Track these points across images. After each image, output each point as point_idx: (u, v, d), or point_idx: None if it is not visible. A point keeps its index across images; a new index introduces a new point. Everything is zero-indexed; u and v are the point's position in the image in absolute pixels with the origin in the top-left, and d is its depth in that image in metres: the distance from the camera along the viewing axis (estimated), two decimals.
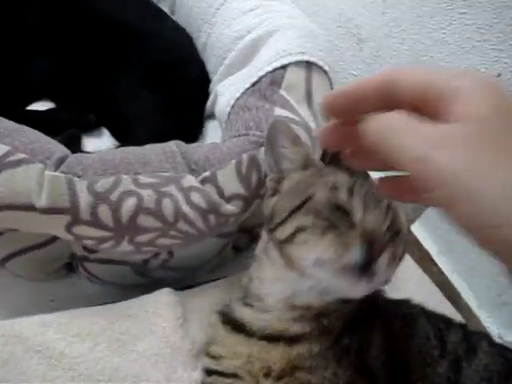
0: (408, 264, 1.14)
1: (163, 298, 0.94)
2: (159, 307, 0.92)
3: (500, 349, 0.82)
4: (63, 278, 1.10)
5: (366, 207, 0.69)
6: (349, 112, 0.47)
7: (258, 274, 0.82)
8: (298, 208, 0.72)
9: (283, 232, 0.73)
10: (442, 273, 1.10)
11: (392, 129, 0.41)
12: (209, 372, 0.81)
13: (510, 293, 0.98)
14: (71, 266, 1.08)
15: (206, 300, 0.96)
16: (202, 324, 0.93)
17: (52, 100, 1.38)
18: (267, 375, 0.73)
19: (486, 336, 0.86)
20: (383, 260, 0.66)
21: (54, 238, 0.95)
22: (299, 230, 0.71)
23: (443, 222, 1.10)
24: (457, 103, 0.39)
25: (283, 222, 0.74)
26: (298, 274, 0.73)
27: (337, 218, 0.69)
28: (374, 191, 0.72)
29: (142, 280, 1.05)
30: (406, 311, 0.84)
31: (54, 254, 1.01)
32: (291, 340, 0.74)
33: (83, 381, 0.84)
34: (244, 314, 0.80)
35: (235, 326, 0.80)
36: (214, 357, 0.80)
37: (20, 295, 1.05)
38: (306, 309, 0.75)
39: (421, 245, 1.15)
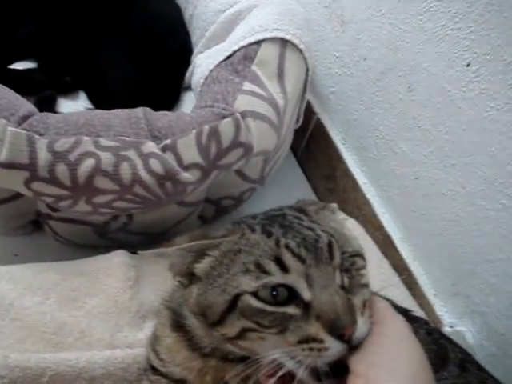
0: (369, 247, 1.15)
1: (117, 258, 0.97)
2: (112, 267, 0.95)
3: (436, 336, 0.83)
4: (29, 235, 1.13)
5: (310, 278, 0.56)
6: None
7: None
8: (230, 310, 0.58)
9: (227, 332, 0.60)
10: (402, 259, 1.11)
11: None
12: (154, 369, 0.76)
13: (464, 283, 0.99)
14: (38, 223, 1.11)
15: (161, 264, 0.98)
16: (153, 287, 0.96)
17: (37, 60, 1.40)
18: None
19: (425, 323, 0.87)
20: (360, 327, 0.54)
21: (20, 194, 0.98)
22: (247, 330, 0.58)
23: (408, 209, 1.11)
24: None
25: (220, 323, 0.60)
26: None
27: (283, 306, 0.56)
28: (306, 233, 0.60)
29: (103, 241, 1.08)
30: None
31: (20, 209, 1.04)
32: (245, 358, 0.63)
33: (29, 331, 0.87)
34: (194, 326, 0.69)
35: (186, 338, 0.71)
36: (160, 358, 0.74)
37: None
38: None
39: (385, 230, 1.16)
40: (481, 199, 0.92)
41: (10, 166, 0.85)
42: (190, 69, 1.37)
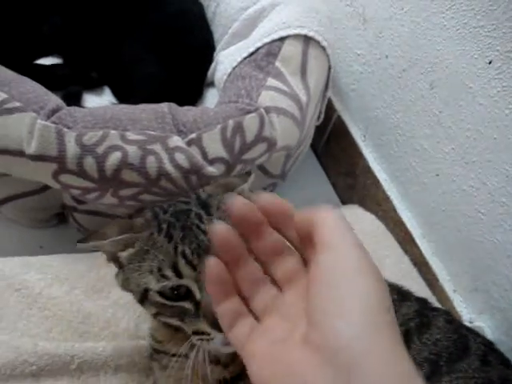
0: (389, 243, 1.16)
1: None
2: None
3: (457, 326, 0.84)
4: (54, 227, 1.15)
5: (200, 282, 0.65)
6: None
7: None
8: (142, 300, 0.71)
9: (148, 312, 0.73)
10: (422, 255, 1.12)
11: None
12: (156, 350, 0.83)
13: (484, 279, 1.00)
14: (63, 216, 1.13)
15: None
16: None
17: (61, 56, 1.42)
18: (216, 363, 0.74)
19: (444, 313, 0.88)
20: None
21: (47, 187, 1.00)
22: (157, 314, 0.72)
23: (428, 205, 1.12)
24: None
25: (141, 305, 0.72)
26: None
27: (181, 301, 0.67)
28: (201, 238, 0.67)
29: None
30: None
31: (46, 202, 1.06)
32: None
33: (56, 321, 0.89)
34: None
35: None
36: (158, 341, 0.82)
37: (11, 239, 1.10)
38: None
39: (405, 226, 1.16)
40: (501, 196, 0.92)
41: (39, 158, 0.87)
42: (212, 65, 1.38)
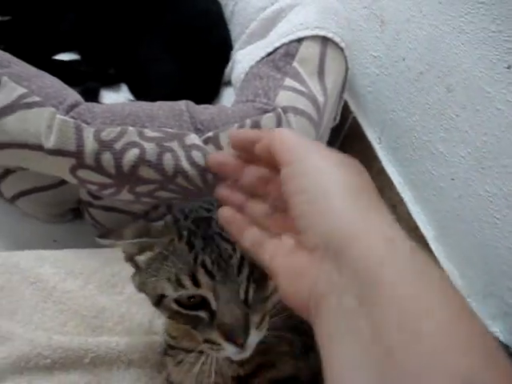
0: None
1: None
2: None
3: None
4: (69, 222, 1.16)
5: (217, 292, 0.65)
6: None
7: None
8: (157, 304, 0.71)
9: (163, 313, 0.73)
10: (436, 259, 1.11)
11: None
12: (170, 346, 0.83)
13: (499, 285, 0.99)
14: (78, 211, 1.14)
15: None
16: None
17: (78, 52, 1.43)
18: (230, 359, 0.74)
19: None
20: (252, 337, 0.65)
21: (63, 182, 1.01)
22: (171, 318, 0.72)
23: (443, 209, 1.12)
24: None
25: (157, 307, 0.73)
26: None
27: (196, 310, 0.67)
28: (223, 247, 0.67)
29: None
30: None
31: (61, 196, 1.07)
32: None
33: (71, 315, 0.90)
34: None
35: None
36: (172, 337, 0.82)
37: (26, 233, 1.11)
38: None
39: (418, 229, 1.16)
40: None
41: (57, 152, 0.88)
42: (229, 64, 1.39)
